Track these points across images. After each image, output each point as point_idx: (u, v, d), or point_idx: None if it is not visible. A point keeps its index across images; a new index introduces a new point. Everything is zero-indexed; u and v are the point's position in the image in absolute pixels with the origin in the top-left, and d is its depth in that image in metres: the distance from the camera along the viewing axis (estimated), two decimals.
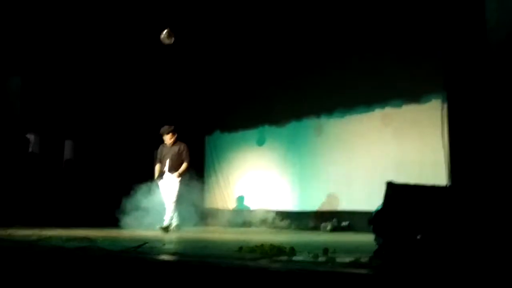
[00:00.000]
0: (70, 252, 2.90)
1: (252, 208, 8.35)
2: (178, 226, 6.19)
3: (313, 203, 7.32)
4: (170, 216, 6.10)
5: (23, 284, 2.68)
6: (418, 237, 2.34)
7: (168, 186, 6.24)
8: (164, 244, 3.80)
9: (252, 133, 8.48)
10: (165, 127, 6.42)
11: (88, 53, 7.52)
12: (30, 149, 7.68)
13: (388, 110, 6.44)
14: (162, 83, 8.42)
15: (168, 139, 6.39)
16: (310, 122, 7.53)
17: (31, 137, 7.70)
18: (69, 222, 6.22)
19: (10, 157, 7.19)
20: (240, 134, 8.65)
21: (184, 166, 6.28)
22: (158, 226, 5.95)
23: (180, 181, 6.24)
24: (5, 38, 6.72)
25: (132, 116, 8.01)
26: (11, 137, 7.35)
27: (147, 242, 3.25)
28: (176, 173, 6.22)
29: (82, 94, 7.88)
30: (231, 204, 8.73)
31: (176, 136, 6.44)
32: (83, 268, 2.63)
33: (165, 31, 6.33)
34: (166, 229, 5.95)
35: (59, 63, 7.53)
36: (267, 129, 8.26)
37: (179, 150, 6.34)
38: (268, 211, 8.03)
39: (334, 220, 6.76)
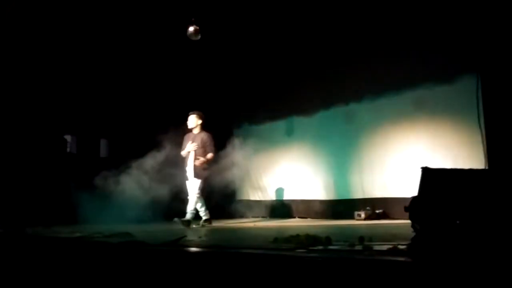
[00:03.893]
0: (114, 247, 3.00)
1: (283, 198, 8.36)
2: (205, 222, 5.97)
3: (346, 192, 7.26)
4: (191, 211, 5.90)
5: (74, 280, 2.80)
6: (457, 222, 2.30)
7: (190, 181, 6.07)
8: (200, 237, 3.87)
9: (281, 125, 8.45)
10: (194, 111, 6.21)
11: (119, 53, 7.68)
12: (68, 150, 7.94)
13: (420, 93, 6.26)
14: (190, 77, 8.51)
15: (190, 122, 6.16)
16: (339, 111, 7.43)
17: (68, 137, 7.96)
18: (105, 219, 6.39)
19: (49, 157, 7.44)
20: (268, 126, 8.64)
21: (209, 155, 6.04)
22: (176, 218, 5.81)
23: (202, 174, 5.98)
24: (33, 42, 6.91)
25: (162, 112, 8.15)
26: (49, 138, 7.61)
27: (185, 236, 3.32)
28: (199, 161, 5.95)
29: (115, 93, 8.07)
30: (263, 196, 8.77)
31: (201, 123, 6.19)
32: (127, 261, 2.72)
33: (192, 27, 6.37)
34: (186, 222, 5.77)
35: (92, 65, 7.72)
36: (296, 119, 8.22)
37: (202, 140, 6.08)
38: (300, 201, 8.04)
39: (368, 208, 6.69)
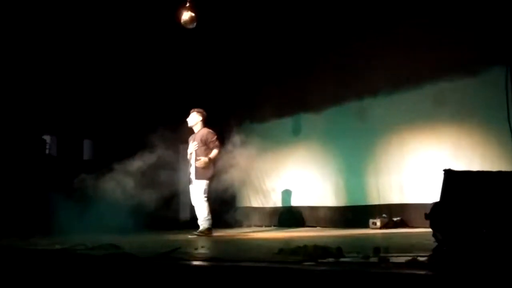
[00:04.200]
0: (99, 260, 3.01)
1: (289, 205, 8.39)
2: (201, 232, 5.99)
3: (359, 197, 7.27)
4: (205, 218, 5.97)
5: None
6: (484, 231, 2.31)
7: (193, 184, 6.12)
8: (196, 249, 3.89)
9: (286, 122, 8.48)
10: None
11: (104, 44, 7.68)
12: (47, 151, 7.96)
13: (442, 87, 6.26)
14: (184, 70, 8.51)
15: (190, 119, 6.25)
16: (351, 107, 7.44)
17: (47, 138, 7.97)
18: (90, 228, 6.40)
19: (26, 160, 7.46)
20: (272, 124, 8.67)
21: (213, 153, 6.03)
22: (193, 233, 5.90)
23: (205, 174, 6.00)
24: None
25: (152, 110, 8.16)
26: (26, 138, 7.63)
27: (179, 247, 3.33)
28: (200, 162, 5.95)
29: (100, 89, 8.08)
30: (266, 202, 8.80)
31: (201, 120, 6.24)
32: (114, 277, 2.73)
33: (187, 14, 6.38)
34: (207, 231, 5.87)
35: (74, 59, 7.72)
36: (303, 117, 8.24)
37: (201, 138, 6.11)
38: (308, 208, 8.05)
39: (384, 215, 6.70)
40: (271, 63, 8.50)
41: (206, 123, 6.34)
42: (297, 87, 8.16)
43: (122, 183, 6.47)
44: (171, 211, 7.68)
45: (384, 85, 6.95)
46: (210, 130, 6.23)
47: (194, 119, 6.30)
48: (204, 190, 6.01)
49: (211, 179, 6.11)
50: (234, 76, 9.08)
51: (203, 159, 6.00)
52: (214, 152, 6.06)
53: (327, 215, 7.70)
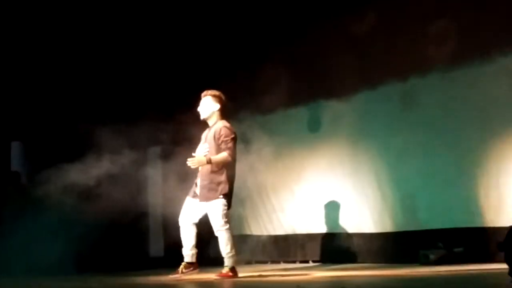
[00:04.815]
0: None
1: (305, 232, 8.42)
2: (187, 267, 6.04)
3: (404, 219, 7.28)
4: (227, 253, 5.85)
5: None
6: None
7: (199, 203, 5.98)
8: None
9: (301, 114, 8.53)
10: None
11: (38, 16, 7.75)
12: None
13: None
14: (151, 41, 8.58)
15: (202, 108, 6.08)
16: (391, 90, 7.44)
17: None
18: (18, 268, 6.42)
19: None
20: (281, 116, 8.74)
21: (220, 156, 5.81)
22: (216, 275, 5.88)
23: (218, 192, 5.82)
24: None
25: (108, 99, 8.19)
26: None
27: None
28: (192, 160, 5.77)
29: (33, 72, 8.17)
30: (272, 228, 8.84)
31: (219, 109, 6.05)
32: None
33: None
34: (228, 272, 5.85)
35: None
36: (324, 106, 8.27)
37: (214, 135, 5.92)
38: (331, 236, 8.08)
39: (440, 244, 6.71)
40: (277, 28, 8.51)
41: (224, 113, 6.14)
42: (314, 63, 8.18)
43: (64, 203, 6.48)
44: (136, 243, 7.67)
45: (437, 60, 6.93)
46: (227, 125, 6.01)
47: (209, 108, 6.06)
48: (223, 212, 5.83)
49: (227, 197, 5.89)
50: (224, 47, 9.09)
51: (197, 158, 5.83)
52: (222, 155, 5.83)
53: (360, 245, 7.73)
